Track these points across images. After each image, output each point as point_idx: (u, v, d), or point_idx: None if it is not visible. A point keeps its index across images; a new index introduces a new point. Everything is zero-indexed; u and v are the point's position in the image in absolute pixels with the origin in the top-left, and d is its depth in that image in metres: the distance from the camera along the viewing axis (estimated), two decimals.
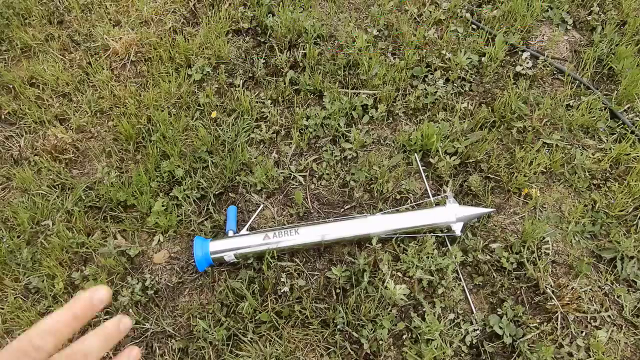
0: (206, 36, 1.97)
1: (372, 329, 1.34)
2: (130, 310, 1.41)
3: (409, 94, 1.86)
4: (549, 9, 2.17)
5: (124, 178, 1.62)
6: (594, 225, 1.57)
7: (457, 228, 1.47)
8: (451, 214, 1.46)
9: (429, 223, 1.47)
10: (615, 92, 1.88)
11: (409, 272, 1.43)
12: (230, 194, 1.63)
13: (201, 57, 1.93)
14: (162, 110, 1.77)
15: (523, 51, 2.01)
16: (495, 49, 1.94)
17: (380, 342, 1.32)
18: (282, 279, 1.40)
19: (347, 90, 1.86)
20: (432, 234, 1.48)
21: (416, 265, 1.45)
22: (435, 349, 1.30)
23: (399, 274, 1.45)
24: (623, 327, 1.40)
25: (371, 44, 1.98)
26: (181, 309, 1.40)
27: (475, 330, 1.36)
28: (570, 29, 2.13)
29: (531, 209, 1.61)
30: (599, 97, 1.84)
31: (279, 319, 1.35)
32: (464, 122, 1.76)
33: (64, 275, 1.45)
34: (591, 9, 2.15)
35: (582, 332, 1.38)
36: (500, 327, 1.37)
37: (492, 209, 1.55)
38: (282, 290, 1.39)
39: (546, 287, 1.44)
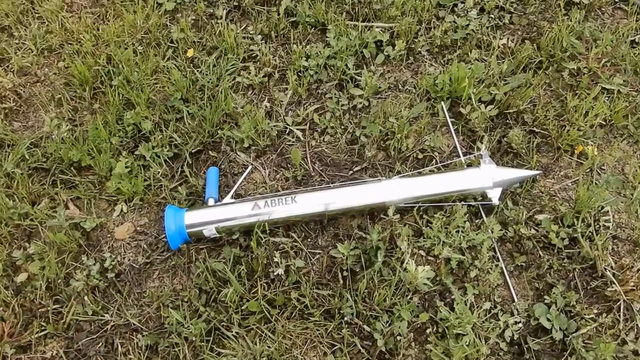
0: None
1: (387, 322, 1.15)
2: (86, 297, 1.18)
3: (434, 27, 1.61)
4: None
5: (78, 132, 1.41)
6: None
7: (495, 195, 1.29)
8: (487, 177, 1.28)
9: (459, 189, 1.28)
10: None
11: (434, 250, 1.23)
12: (210, 152, 1.41)
13: None
14: (126, 48, 1.54)
15: None
16: None
17: (398, 337, 1.13)
18: (276, 259, 1.20)
19: (357, 23, 1.60)
20: (463, 202, 1.28)
21: (443, 241, 1.24)
22: (467, 346, 1.11)
23: (421, 252, 1.25)
24: None
25: None
26: (149, 297, 1.20)
27: (517, 322, 1.17)
28: None
29: (587, 171, 1.38)
30: None
31: (271, 309, 1.16)
32: (503, 62, 1.52)
33: (2, 253, 1.23)
34: None
35: None
36: (548, 319, 1.17)
37: (537, 172, 1.34)
38: (275, 273, 1.20)
39: (605, 268, 1.22)
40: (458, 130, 1.43)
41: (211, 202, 1.26)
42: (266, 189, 1.33)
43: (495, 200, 1.29)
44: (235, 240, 1.24)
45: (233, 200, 1.28)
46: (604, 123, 1.43)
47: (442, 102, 1.46)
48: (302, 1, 1.60)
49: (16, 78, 1.51)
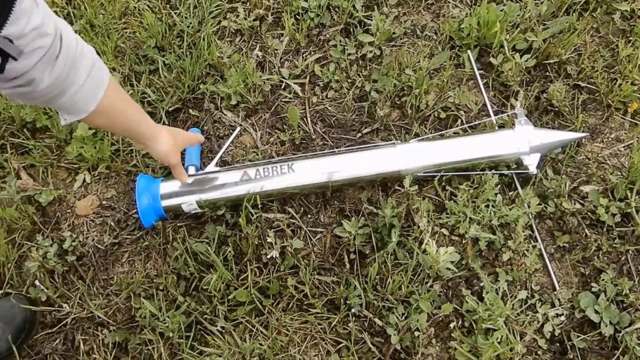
0: None
1: (403, 314, 1.02)
2: (41, 284, 1.01)
3: None
4: None
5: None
6: None
7: (532, 162, 1.12)
8: (523, 141, 1.11)
9: (490, 155, 1.11)
10: None
11: (459, 229, 1.08)
12: (191, 111, 1.23)
13: None
14: None
15: None
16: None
17: (416, 333, 1.00)
18: (269, 239, 1.05)
19: None
20: (493, 171, 1.12)
21: (470, 218, 1.08)
22: (499, 343, 0.97)
23: (444, 230, 1.10)
24: None
25: None
26: (117, 284, 1.04)
27: (558, 315, 1.03)
28: None
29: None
30: None
31: (264, 299, 1.02)
32: (542, 3, 1.33)
33: None
34: None
35: None
36: (597, 311, 1.04)
37: (584, 134, 1.17)
38: (268, 256, 1.05)
39: None
40: (488, 84, 1.24)
41: (191, 170, 1.10)
42: (258, 154, 1.16)
43: (533, 169, 1.11)
44: (221, 216, 1.08)
45: (218, 168, 1.11)
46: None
47: (469, 51, 1.27)
48: None
49: None
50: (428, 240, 1.03)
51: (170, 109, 1.20)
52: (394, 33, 1.28)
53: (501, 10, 1.25)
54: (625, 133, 1.18)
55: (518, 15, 1.28)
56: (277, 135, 1.18)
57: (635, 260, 1.06)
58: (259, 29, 1.31)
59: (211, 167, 1.11)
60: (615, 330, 1.01)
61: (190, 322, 1.00)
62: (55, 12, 1.28)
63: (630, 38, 1.27)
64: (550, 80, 1.23)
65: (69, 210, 1.11)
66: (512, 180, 1.14)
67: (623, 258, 1.05)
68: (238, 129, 1.19)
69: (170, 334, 0.97)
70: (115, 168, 1.13)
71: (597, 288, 1.04)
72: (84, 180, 1.13)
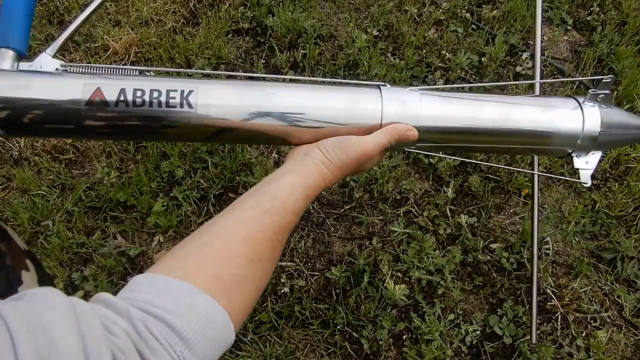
0: (206, 36, 1.98)
1: (372, 329, 1.36)
2: None
3: None
4: (548, 9, 2.18)
5: (124, 178, 1.64)
6: (594, 226, 1.58)
7: (588, 165, 0.74)
8: (591, 117, 0.69)
9: (533, 125, 0.69)
10: (615, 92, 1.88)
11: (409, 273, 1.46)
12: (230, 194, 1.65)
13: (201, 57, 1.94)
14: None
15: (523, 51, 2.01)
16: (495, 49, 1.95)
17: (380, 342, 1.35)
18: (282, 280, 1.42)
19: None
20: (535, 172, 1.01)
21: (416, 265, 1.47)
22: (436, 349, 1.33)
23: (399, 274, 1.48)
24: (623, 328, 1.41)
25: (371, 44, 1.98)
26: None
27: (475, 330, 1.39)
28: (570, 29, 2.14)
29: (531, 210, 1.61)
30: None
31: (279, 320, 1.37)
32: None
33: (64, 275, 1.46)
34: (591, 9, 2.16)
35: (582, 332, 1.40)
36: (500, 328, 1.39)
37: None
38: (282, 291, 1.42)
39: (546, 287, 1.46)
40: (428, 175, 1.72)
41: (6, 61, 0.58)
42: None
43: (587, 178, 0.74)
44: None
45: (56, 65, 0.60)
46: (545, 171, 1.73)
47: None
48: (304, 73, 1.94)
49: None
50: (388, 280, 1.39)
51: (216, 193, 1.61)
52: None
53: None
54: (519, 209, 1.62)
55: None
56: None
57: (527, 293, 1.45)
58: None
59: (44, 58, 0.59)
60: (513, 340, 1.35)
61: None
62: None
63: None
64: (470, 174, 1.67)
65: (149, 260, 1.51)
66: (444, 240, 1.57)
67: (518, 292, 1.45)
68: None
69: None
70: (180, 232, 1.54)
71: (501, 312, 1.40)
72: (159, 241, 1.52)
